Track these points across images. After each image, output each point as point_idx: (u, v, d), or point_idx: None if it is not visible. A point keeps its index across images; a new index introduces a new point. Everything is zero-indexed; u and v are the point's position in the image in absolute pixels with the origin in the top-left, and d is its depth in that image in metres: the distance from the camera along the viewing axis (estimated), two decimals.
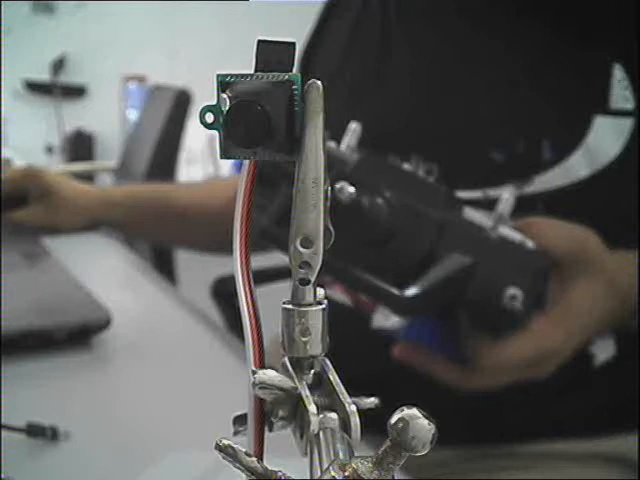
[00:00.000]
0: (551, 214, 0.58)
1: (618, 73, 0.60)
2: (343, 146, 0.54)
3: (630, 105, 0.60)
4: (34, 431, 0.43)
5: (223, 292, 1.12)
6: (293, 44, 0.22)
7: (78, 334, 0.58)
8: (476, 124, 0.64)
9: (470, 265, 0.49)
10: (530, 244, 0.51)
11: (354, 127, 0.55)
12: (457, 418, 0.60)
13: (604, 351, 0.63)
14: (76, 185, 0.91)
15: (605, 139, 0.60)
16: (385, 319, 0.65)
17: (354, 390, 0.23)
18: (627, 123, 0.60)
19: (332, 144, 0.54)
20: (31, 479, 0.41)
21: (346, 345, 0.48)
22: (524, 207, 0.60)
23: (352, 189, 0.46)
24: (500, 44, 0.65)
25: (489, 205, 0.61)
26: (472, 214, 0.52)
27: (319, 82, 0.22)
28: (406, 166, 0.57)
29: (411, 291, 0.48)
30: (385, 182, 0.50)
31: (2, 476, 0.39)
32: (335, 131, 0.64)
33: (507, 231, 0.51)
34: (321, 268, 0.23)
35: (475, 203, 0.61)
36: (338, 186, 0.46)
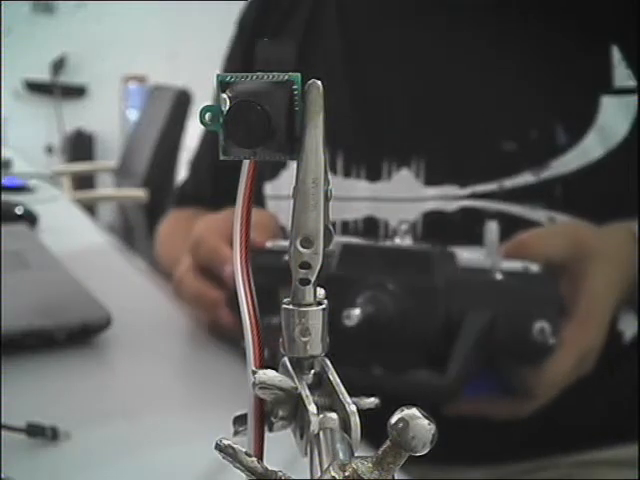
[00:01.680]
0: (570, 196, 0.59)
1: (616, 54, 0.61)
2: None
3: (633, 82, 0.61)
4: (34, 431, 0.43)
5: None
6: (293, 44, 0.22)
7: (78, 334, 0.58)
8: (485, 116, 0.64)
9: (490, 318, 0.49)
10: (534, 267, 0.50)
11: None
12: (490, 436, 0.60)
13: (629, 326, 0.63)
14: None
15: (614, 118, 0.61)
16: None
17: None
18: (633, 100, 0.61)
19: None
20: (31, 479, 0.41)
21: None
22: (542, 192, 0.61)
23: (357, 311, 0.46)
24: (502, 34, 0.65)
25: (505, 196, 0.62)
26: (467, 259, 0.52)
27: (319, 82, 0.22)
28: (393, 242, 0.55)
29: (449, 376, 0.48)
30: (374, 270, 0.49)
31: (2, 476, 0.39)
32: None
33: (507, 264, 0.50)
34: (321, 268, 0.23)
35: (491, 195, 0.62)
36: (345, 314, 0.46)
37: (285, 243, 0.55)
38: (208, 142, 0.84)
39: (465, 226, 0.62)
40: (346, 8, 0.72)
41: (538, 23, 0.64)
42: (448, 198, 0.63)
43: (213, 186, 0.82)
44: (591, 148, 0.61)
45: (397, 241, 0.54)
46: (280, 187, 0.71)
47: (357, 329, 0.46)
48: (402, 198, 0.64)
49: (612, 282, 0.54)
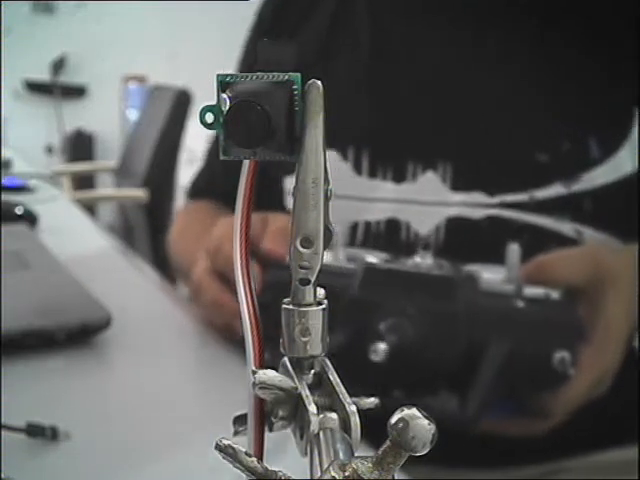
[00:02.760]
0: (598, 210, 0.59)
1: None
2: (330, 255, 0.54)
3: None
4: (34, 431, 0.43)
5: None
6: (293, 44, 0.22)
7: (78, 334, 0.58)
8: (517, 126, 0.64)
9: (511, 347, 0.49)
10: (555, 295, 0.50)
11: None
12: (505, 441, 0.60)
13: None
14: None
15: None
16: None
17: None
18: None
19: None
20: (31, 479, 0.41)
21: None
22: (571, 204, 0.60)
23: (383, 346, 0.47)
24: (539, 44, 0.64)
25: (535, 207, 0.61)
26: (488, 282, 0.51)
27: (319, 82, 0.22)
28: (413, 261, 0.54)
29: (470, 405, 0.48)
30: (396, 295, 0.50)
31: (2, 476, 0.39)
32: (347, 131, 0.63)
33: (529, 290, 0.50)
34: (321, 268, 0.23)
35: (521, 206, 0.61)
36: (372, 349, 0.47)
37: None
38: None
39: (490, 234, 0.62)
40: (377, 5, 0.70)
41: (576, 34, 0.63)
42: (475, 205, 0.62)
43: (227, 179, 0.81)
44: (623, 162, 0.60)
45: (417, 260, 0.53)
46: None
47: (382, 362, 0.47)
48: (427, 201, 0.64)
49: (630, 305, 0.54)
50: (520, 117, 0.64)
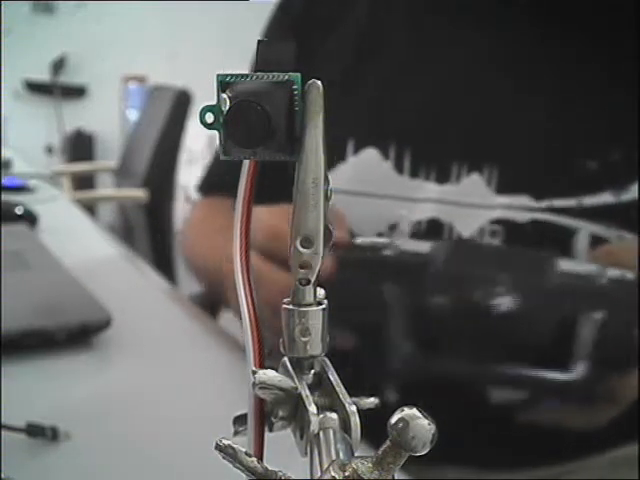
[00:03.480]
0: None
1: None
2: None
3: None
4: (34, 431, 0.43)
5: None
6: (293, 44, 0.22)
7: (78, 334, 0.58)
8: (566, 131, 0.64)
9: (603, 321, 0.50)
10: (630, 275, 0.51)
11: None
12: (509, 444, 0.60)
13: None
14: None
15: None
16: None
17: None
18: None
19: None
20: (31, 479, 0.41)
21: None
22: (618, 213, 0.61)
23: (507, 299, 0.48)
24: (590, 52, 0.64)
25: (582, 213, 0.61)
26: (567, 264, 0.53)
27: (319, 82, 0.22)
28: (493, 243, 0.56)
29: (577, 371, 0.49)
30: (490, 266, 0.51)
31: (2, 476, 0.39)
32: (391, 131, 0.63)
33: (612, 271, 0.51)
34: (320, 268, 0.23)
35: (568, 211, 0.61)
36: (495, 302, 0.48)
37: (376, 239, 0.56)
38: None
39: (534, 238, 0.62)
40: (417, 4, 0.70)
41: (628, 43, 0.63)
42: (520, 209, 0.62)
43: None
44: None
45: None
46: (334, 181, 0.67)
47: (503, 318, 0.47)
48: (471, 203, 0.63)
49: None
50: (570, 124, 0.64)
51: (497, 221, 0.63)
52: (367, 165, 0.65)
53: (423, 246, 0.54)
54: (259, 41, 0.22)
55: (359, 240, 0.53)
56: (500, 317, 0.49)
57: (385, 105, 0.67)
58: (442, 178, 0.64)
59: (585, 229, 0.61)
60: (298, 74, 0.22)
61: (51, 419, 0.44)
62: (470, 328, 0.49)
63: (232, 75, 0.22)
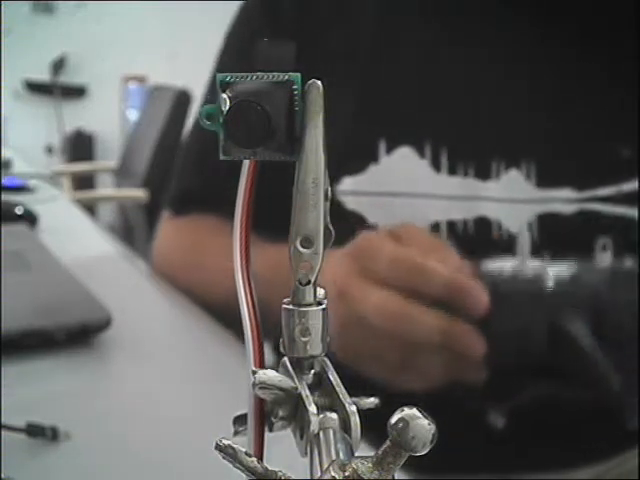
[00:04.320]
0: None
1: None
2: None
3: None
4: (34, 431, 0.43)
5: None
6: (293, 44, 0.22)
7: (78, 334, 0.58)
8: (600, 123, 0.64)
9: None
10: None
11: None
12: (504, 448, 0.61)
13: None
14: None
15: None
16: None
17: None
18: None
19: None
20: (31, 479, 0.41)
21: None
22: None
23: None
24: (617, 44, 0.65)
25: (623, 200, 0.63)
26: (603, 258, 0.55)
27: (319, 82, 0.22)
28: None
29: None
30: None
31: (2, 476, 0.39)
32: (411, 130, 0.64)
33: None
34: (320, 268, 0.23)
35: (611, 199, 0.62)
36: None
37: (500, 263, 0.57)
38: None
39: (583, 228, 0.63)
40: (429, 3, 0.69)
41: None
42: (565, 201, 0.63)
43: (232, 187, 0.76)
44: None
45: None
46: (364, 182, 0.65)
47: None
48: (514, 199, 0.64)
49: None
50: (601, 114, 0.64)
51: (545, 215, 0.63)
52: (402, 164, 0.64)
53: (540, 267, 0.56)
54: (259, 41, 0.22)
55: (490, 266, 0.55)
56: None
57: (415, 103, 0.66)
58: (482, 175, 0.64)
59: (616, 218, 0.62)
60: (298, 74, 0.22)
61: (51, 419, 0.44)
62: None
63: (232, 75, 0.22)
